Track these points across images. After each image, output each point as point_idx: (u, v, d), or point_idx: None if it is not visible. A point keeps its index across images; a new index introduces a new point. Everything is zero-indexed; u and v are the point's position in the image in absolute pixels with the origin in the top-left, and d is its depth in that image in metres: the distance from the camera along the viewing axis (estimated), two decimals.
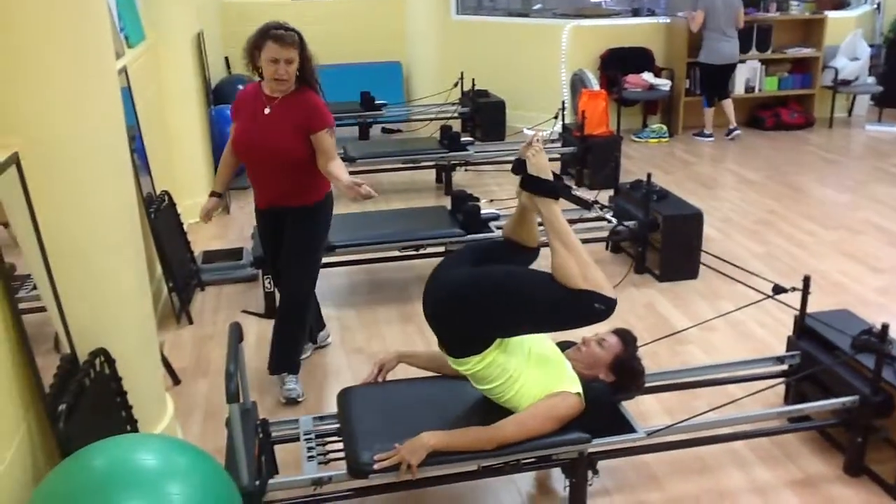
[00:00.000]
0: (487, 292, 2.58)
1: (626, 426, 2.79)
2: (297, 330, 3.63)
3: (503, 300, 2.56)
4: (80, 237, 2.56)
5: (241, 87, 7.58)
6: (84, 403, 2.32)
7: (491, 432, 2.56)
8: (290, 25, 3.29)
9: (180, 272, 4.42)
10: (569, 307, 2.55)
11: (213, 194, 3.64)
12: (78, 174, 2.52)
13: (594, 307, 2.53)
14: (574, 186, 2.87)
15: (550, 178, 2.67)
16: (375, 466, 2.49)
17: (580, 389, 2.66)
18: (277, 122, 3.35)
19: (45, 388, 2.25)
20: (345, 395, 2.91)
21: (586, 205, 2.99)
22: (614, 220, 2.71)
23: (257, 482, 2.39)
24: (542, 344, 2.76)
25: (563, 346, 2.92)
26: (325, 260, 4.55)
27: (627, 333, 2.88)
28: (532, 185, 2.67)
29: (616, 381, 2.79)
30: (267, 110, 3.36)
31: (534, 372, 2.64)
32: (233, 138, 3.54)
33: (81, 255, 2.57)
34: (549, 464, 2.78)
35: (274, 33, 3.22)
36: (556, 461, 2.75)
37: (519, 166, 2.70)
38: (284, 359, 3.61)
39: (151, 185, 4.57)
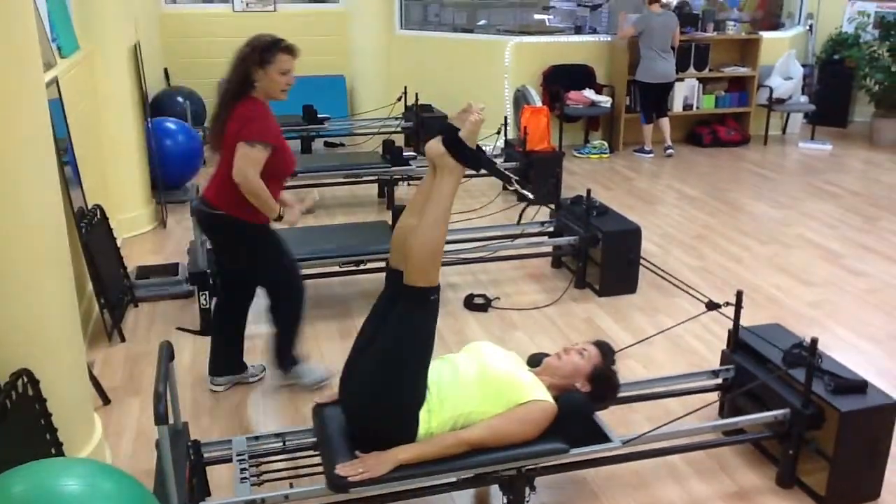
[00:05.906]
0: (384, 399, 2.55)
1: (601, 436, 2.82)
2: (298, 308, 3.64)
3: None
4: (3, 252, 2.47)
5: (183, 100, 7.58)
6: (4, 427, 2.23)
7: (461, 435, 2.55)
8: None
9: (113, 288, 4.30)
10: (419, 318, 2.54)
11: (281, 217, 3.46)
12: (1, 187, 2.43)
13: (430, 300, 2.52)
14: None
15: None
16: (342, 477, 2.44)
17: (549, 396, 2.67)
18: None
19: None
20: (320, 410, 2.84)
21: (507, 179, 2.85)
22: (530, 196, 2.75)
23: None
24: (490, 365, 2.71)
25: (536, 358, 2.95)
26: None
27: (606, 345, 2.95)
28: (460, 149, 2.50)
29: (592, 391, 2.82)
30: None
31: (489, 399, 2.62)
32: (284, 165, 3.46)
33: (4, 270, 2.48)
34: (487, 480, 2.76)
35: (285, 45, 3.37)
36: (496, 477, 2.73)
37: (449, 129, 2.51)
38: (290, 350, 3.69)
39: (83, 198, 4.45)
